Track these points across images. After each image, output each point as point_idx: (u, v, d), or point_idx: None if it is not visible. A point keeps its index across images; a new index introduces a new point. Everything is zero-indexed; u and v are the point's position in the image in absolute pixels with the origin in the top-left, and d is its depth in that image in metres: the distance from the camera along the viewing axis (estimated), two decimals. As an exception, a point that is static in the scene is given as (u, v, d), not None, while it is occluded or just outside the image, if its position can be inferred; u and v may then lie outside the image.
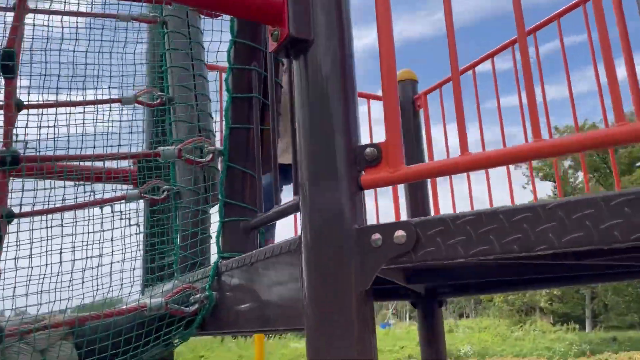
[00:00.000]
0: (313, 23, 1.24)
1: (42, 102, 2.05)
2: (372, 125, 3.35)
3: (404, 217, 3.26)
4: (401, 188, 3.22)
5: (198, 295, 1.57)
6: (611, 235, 0.89)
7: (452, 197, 3.28)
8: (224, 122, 1.62)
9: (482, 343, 19.62)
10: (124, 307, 1.51)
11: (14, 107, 1.82)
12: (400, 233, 1.08)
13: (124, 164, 2.33)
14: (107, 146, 2.06)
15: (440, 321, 3.07)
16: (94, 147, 2.05)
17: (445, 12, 1.22)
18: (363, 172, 1.17)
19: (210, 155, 1.61)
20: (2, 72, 1.55)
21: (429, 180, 3.21)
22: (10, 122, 1.64)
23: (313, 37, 1.23)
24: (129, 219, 1.97)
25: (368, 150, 1.17)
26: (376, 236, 1.10)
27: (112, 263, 1.84)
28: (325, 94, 1.22)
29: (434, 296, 3.00)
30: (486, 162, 1.12)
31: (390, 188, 3.07)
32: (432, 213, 3.19)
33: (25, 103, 1.91)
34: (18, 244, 1.77)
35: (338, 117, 1.21)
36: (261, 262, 1.38)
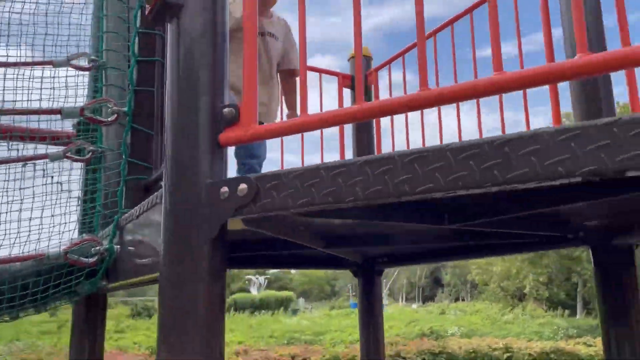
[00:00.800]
0: (186, -11, 1.31)
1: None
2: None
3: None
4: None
5: (98, 247, 1.67)
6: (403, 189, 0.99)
7: (407, 135, 3.29)
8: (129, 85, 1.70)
9: (471, 325, 19.86)
10: (23, 254, 1.61)
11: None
12: (243, 186, 1.17)
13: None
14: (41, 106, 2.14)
15: (379, 290, 3.19)
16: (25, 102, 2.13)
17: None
18: (223, 130, 1.26)
19: (115, 116, 1.70)
20: None
21: (373, 122, 3.31)
22: None
23: (184, 1, 1.31)
24: (52, 177, 2.04)
25: (226, 110, 1.26)
26: (224, 189, 1.19)
27: (31, 218, 1.92)
28: (193, 57, 1.30)
29: (372, 266, 3.11)
30: (336, 119, 1.21)
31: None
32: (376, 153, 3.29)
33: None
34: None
35: (205, 80, 1.29)
36: (143, 214, 1.48)
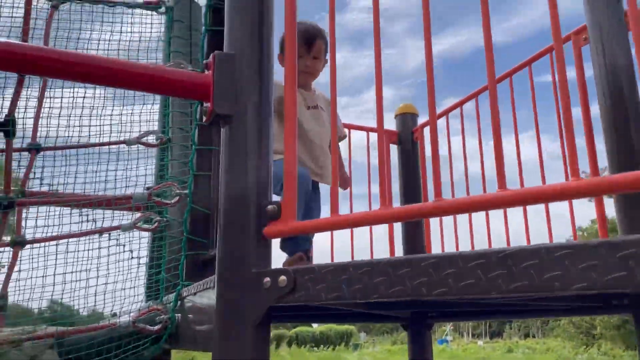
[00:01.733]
0: (235, 101, 1.52)
1: (61, 145, 2.44)
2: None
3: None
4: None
5: (162, 317, 1.88)
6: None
7: (455, 236, 3.39)
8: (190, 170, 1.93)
9: (541, 366, 18.91)
10: (99, 324, 1.84)
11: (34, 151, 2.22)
12: (282, 278, 1.33)
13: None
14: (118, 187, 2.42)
15: (429, 343, 3.23)
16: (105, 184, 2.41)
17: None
18: (267, 224, 1.44)
19: (177, 198, 1.93)
20: (5, 135, 1.94)
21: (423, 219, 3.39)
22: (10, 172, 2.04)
23: (234, 112, 1.51)
24: (124, 245, 2.30)
25: (269, 207, 1.44)
26: (267, 279, 1.36)
27: (106, 283, 2.16)
28: (241, 159, 1.50)
29: (421, 320, 3.17)
30: (364, 221, 1.36)
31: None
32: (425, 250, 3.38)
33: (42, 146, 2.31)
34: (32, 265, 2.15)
35: (252, 180, 1.48)
36: (199, 292, 1.67)
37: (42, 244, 2.13)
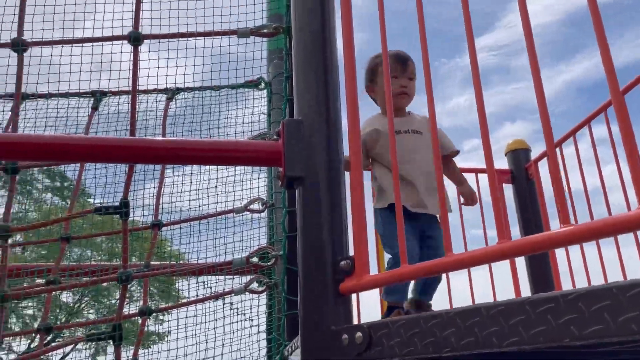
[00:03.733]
0: (305, 163, 1.59)
1: (179, 220, 2.70)
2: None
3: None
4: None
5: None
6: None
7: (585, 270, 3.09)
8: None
9: None
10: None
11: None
12: (358, 334, 1.32)
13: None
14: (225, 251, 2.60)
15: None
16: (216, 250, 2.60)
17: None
18: (343, 280, 1.45)
19: (274, 260, 2.02)
20: (120, 217, 2.22)
21: (548, 254, 3.11)
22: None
23: (305, 175, 1.58)
24: (237, 309, 2.44)
25: (343, 262, 1.45)
26: (344, 336, 1.36)
27: (223, 345, 2.28)
28: (317, 220, 1.54)
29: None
30: (436, 269, 1.31)
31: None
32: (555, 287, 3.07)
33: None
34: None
35: (327, 237, 1.52)
36: (294, 352, 1.71)
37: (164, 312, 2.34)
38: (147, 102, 3.06)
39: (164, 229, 2.60)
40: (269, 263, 2.02)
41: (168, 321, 2.31)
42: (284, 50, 2.40)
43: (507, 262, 2.64)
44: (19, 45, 2.01)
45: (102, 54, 2.71)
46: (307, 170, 1.58)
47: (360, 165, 1.53)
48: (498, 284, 3.09)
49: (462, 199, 2.80)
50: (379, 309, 3.09)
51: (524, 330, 1.00)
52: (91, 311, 16.36)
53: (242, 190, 2.94)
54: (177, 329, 2.31)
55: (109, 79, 2.81)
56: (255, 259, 2.06)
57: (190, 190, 2.80)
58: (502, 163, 3.62)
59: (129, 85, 2.62)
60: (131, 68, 2.09)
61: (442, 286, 2.65)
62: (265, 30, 2.40)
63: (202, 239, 2.79)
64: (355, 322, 1.44)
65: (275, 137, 2.26)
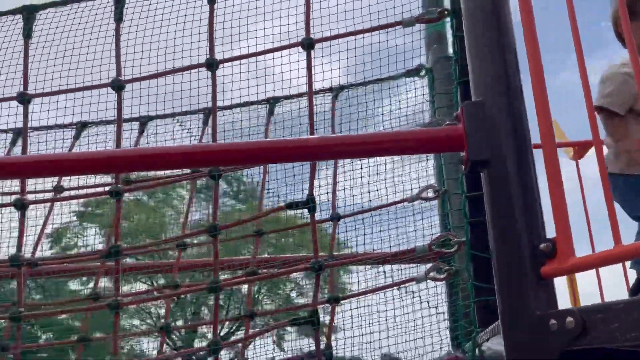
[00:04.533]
0: (490, 146, 1.55)
1: (354, 212, 2.81)
2: None
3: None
4: None
5: (465, 363, 1.95)
6: None
7: None
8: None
9: None
10: None
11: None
12: (570, 319, 1.25)
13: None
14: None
15: None
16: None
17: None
18: (545, 264, 1.38)
19: (456, 247, 1.99)
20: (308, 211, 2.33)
21: None
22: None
23: (491, 157, 1.54)
24: (420, 296, 2.47)
25: (543, 245, 1.38)
26: (553, 322, 1.29)
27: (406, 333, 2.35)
28: (509, 202, 1.49)
29: None
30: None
31: None
32: None
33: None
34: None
35: (521, 220, 1.46)
36: (490, 339, 1.68)
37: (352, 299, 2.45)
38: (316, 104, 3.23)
39: (342, 221, 2.73)
40: (452, 250, 2.01)
41: (341, 312, 2.43)
42: (452, 32, 2.35)
43: None
44: (214, 66, 2.28)
45: (273, 66, 2.94)
46: (493, 152, 1.53)
47: (553, 137, 1.44)
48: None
49: None
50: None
51: None
52: (267, 301, 17.70)
53: (410, 180, 2.96)
54: (352, 318, 2.42)
55: (281, 88, 3.03)
56: (436, 247, 2.07)
57: (361, 185, 2.90)
58: None
59: (298, 87, 2.79)
60: (306, 74, 2.24)
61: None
62: (428, 17, 2.37)
63: (377, 230, 2.87)
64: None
65: (448, 122, 2.24)
